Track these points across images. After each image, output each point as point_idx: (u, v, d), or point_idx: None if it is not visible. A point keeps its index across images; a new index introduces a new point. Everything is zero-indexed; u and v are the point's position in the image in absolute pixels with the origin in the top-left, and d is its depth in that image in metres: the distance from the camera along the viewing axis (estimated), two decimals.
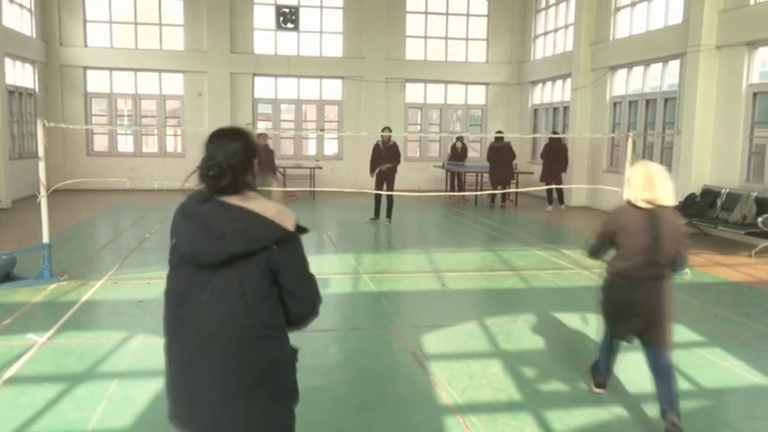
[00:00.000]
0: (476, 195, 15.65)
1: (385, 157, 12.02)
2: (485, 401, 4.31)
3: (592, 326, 6.00)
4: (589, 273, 8.34)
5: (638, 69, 14.36)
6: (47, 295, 6.76)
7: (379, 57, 18.74)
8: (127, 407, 4.08)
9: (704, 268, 8.45)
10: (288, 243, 2.18)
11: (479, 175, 16.45)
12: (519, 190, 15.48)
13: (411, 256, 9.45)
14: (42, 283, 7.10)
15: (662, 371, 3.88)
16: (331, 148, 19.56)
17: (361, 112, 18.70)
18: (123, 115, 18.89)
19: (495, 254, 9.66)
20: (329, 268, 8.54)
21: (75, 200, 14.22)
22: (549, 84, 18.41)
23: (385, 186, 11.99)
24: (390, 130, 12.40)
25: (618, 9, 14.94)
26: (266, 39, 18.60)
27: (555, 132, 16.02)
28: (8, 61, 14.70)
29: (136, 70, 17.99)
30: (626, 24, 14.71)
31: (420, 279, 8.00)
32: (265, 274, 2.16)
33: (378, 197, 12.18)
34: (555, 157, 14.80)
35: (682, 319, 5.71)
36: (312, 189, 16.25)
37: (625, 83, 14.86)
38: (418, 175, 19.13)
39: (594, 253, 4.15)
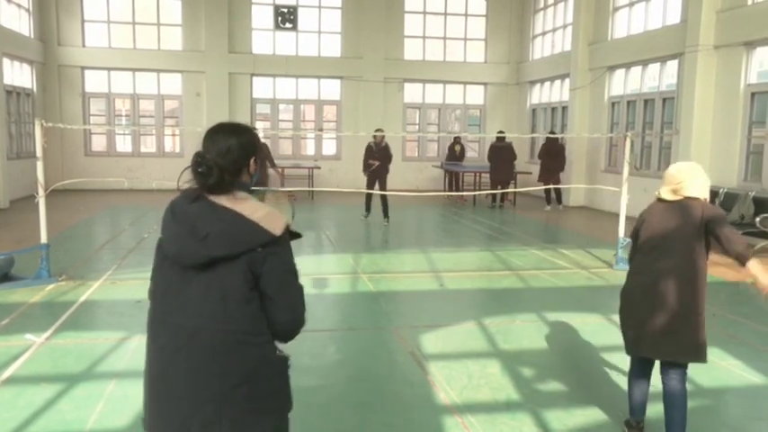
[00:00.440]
0: (474, 195, 15.66)
1: (378, 158, 12.26)
2: (483, 401, 4.31)
3: (590, 325, 6.01)
4: (587, 272, 8.36)
5: (637, 69, 14.37)
6: (45, 295, 6.75)
7: (378, 57, 18.74)
8: (125, 407, 4.07)
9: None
10: (273, 247, 2.08)
11: (478, 175, 16.46)
12: (517, 190, 15.49)
13: (409, 256, 9.45)
14: (40, 283, 7.09)
15: (668, 395, 3.50)
16: (329, 148, 19.54)
17: (359, 111, 18.69)
18: (121, 115, 18.87)
19: (493, 254, 9.66)
20: (328, 268, 8.54)
21: (73, 200, 14.20)
22: (547, 84, 18.41)
23: (377, 186, 12.11)
24: (383, 132, 12.62)
25: (616, 9, 14.95)
26: (264, 39, 18.59)
27: (552, 132, 16.03)
28: (6, 61, 14.68)
29: (134, 70, 17.97)
30: (624, 24, 14.73)
31: (418, 279, 8.00)
32: (247, 277, 2.06)
33: (369, 194, 12.40)
34: (553, 157, 14.81)
35: None
36: (311, 189, 16.24)
37: (623, 83, 14.87)
38: (416, 174, 19.14)
39: (630, 257, 3.84)
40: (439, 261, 8.97)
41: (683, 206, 3.55)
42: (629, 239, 3.90)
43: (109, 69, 17.84)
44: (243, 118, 17.80)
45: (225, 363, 2.06)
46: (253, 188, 2.27)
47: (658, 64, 13.58)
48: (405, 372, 4.86)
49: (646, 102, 14.02)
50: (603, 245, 10.08)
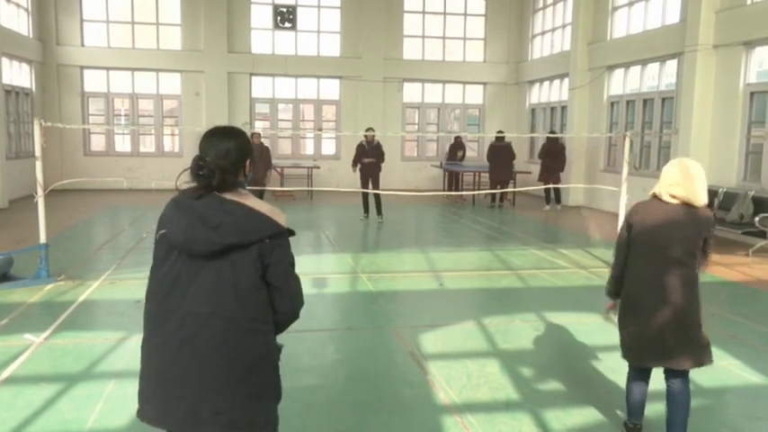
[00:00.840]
0: (473, 195, 15.66)
1: (370, 157, 12.32)
2: (482, 401, 4.31)
3: (589, 325, 6.01)
4: (586, 272, 8.36)
5: (636, 69, 14.38)
6: (44, 295, 6.75)
7: (377, 56, 18.73)
8: (124, 407, 4.06)
9: (701, 267, 8.45)
10: (279, 239, 2.23)
11: (477, 174, 16.46)
12: (516, 189, 15.49)
13: (409, 256, 9.45)
14: (39, 283, 7.09)
15: (673, 395, 3.49)
16: (328, 147, 19.54)
17: (358, 111, 18.68)
18: (120, 115, 18.86)
19: (492, 253, 9.66)
20: (327, 268, 8.54)
21: (72, 200, 14.19)
22: (546, 83, 18.41)
23: (371, 185, 12.12)
24: (374, 131, 12.76)
25: (615, 9, 14.95)
26: (264, 38, 18.58)
27: (552, 132, 16.04)
28: (5, 61, 14.67)
29: (133, 70, 17.96)
30: (623, 24, 14.73)
31: (418, 279, 7.99)
32: (257, 266, 2.19)
33: (365, 194, 12.42)
34: (552, 157, 14.81)
35: None
36: (310, 189, 16.24)
37: (622, 82, 14.87)
38: (416, 174, 19.14)
39: (618, 249, 3.65)
40: (438, 261, 8.97)
41: (689, 213, 3.45)
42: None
43: (108, 69, 17.83)
44: (242, 118, 17.84)
45: (235, 349, 2.17)
46: (248, 188, 2.42)
47: (657, 63, 13.59)
48: (404, 371, 4.86)
49: (645, 101, 14.02)
50: (603, 244, 10.08)
